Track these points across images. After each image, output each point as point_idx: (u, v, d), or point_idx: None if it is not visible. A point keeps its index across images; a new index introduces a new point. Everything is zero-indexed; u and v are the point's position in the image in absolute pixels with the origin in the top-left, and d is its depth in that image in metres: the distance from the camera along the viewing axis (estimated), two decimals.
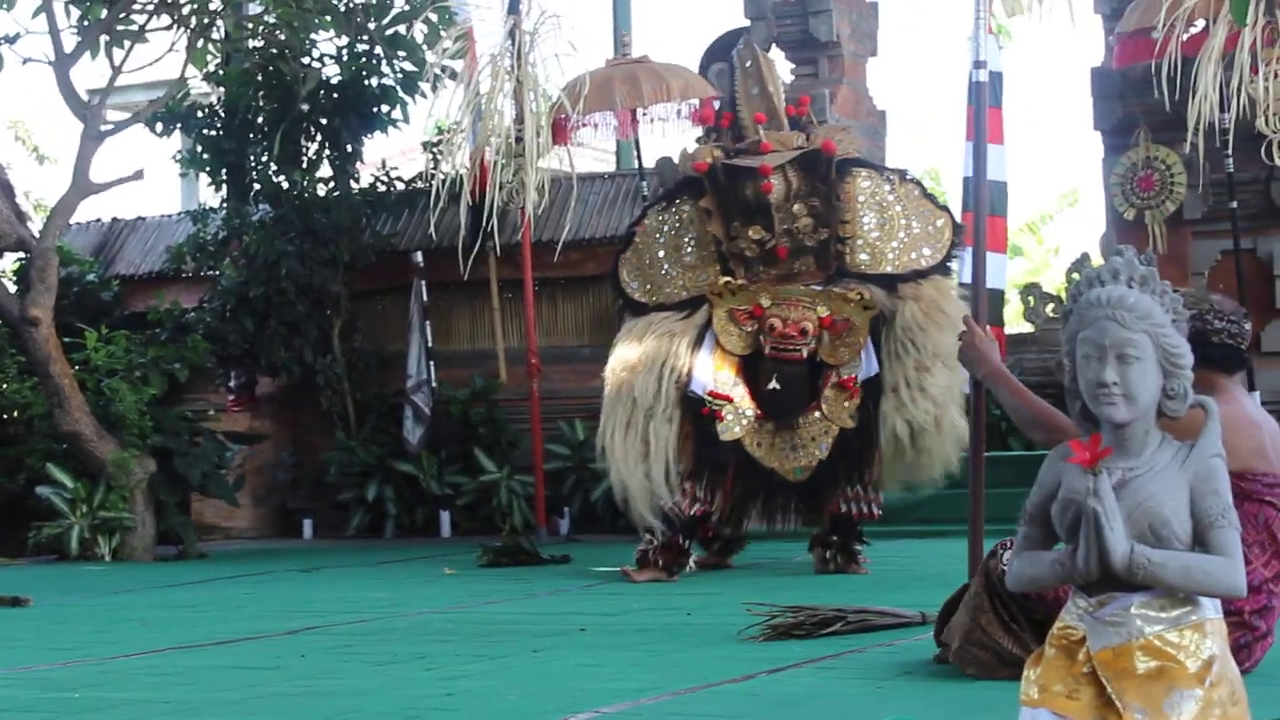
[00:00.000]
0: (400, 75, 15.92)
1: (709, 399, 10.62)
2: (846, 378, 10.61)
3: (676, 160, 11.59)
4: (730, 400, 10.63)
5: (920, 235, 10.78)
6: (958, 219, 10.72)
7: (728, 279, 10.76)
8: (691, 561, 11.08)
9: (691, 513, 10.68)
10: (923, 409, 10.47)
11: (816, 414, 10.65)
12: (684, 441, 10.68)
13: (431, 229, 13.77)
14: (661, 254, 11.07)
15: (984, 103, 7.52)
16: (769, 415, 10.66)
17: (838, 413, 10.62)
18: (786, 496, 10.89)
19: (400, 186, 16.71)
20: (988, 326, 6.74)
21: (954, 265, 10.80)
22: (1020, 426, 5.78)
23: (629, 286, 11.13)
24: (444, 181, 13.41)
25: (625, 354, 10.84)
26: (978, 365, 6.13)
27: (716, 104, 12.33)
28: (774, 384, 10.62)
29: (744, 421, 10.65)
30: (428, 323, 15.43)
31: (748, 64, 11.22)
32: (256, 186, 16.39)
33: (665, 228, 11.10)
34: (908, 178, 11.09)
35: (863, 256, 10.75)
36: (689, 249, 11.02)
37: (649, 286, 11.08)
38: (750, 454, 10.65)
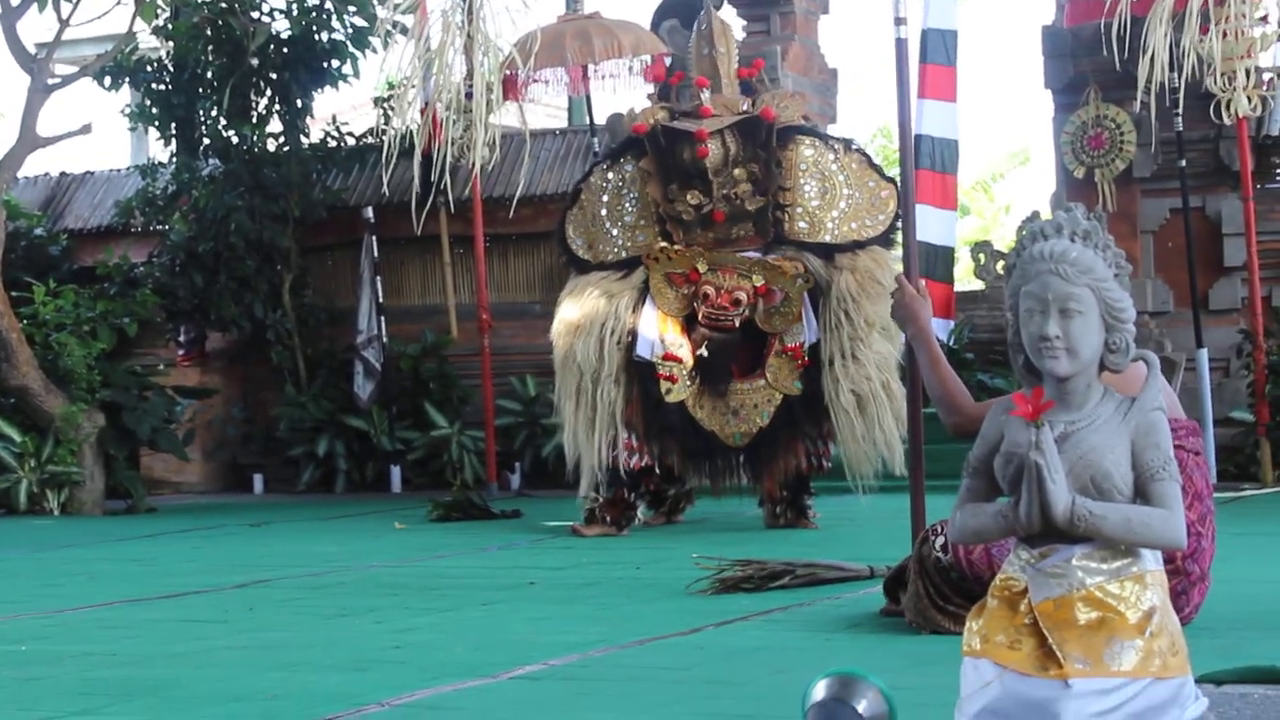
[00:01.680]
0: (350, 30, 15.86)
1: (660, 362, 10.61)
2: (793, 345, 10.59)
3: (607, 123, 11.52)
4: (680, 361, 10.62)
5: (862, 206, 10.75)
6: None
7: (663, 245, 10.72)
8: (640, 514, 11.10)
9: (633, 465, 10.69)
10: (865, 376, 10.47)
11: (760, 381, 10.63)
12: (632, 405, 10.68)
13: (384, 185, 13.73)
14: (604, 212, 11.04)
15: (904, 58, 7.52)
16: (704, 379, 10.65)
17: (782, 380, 10.61)
18: (726, 461, 10.83)
19: (351, 142, 16.66)
20: (923, 283, 6.73)
21: (896, 237, 10.81)
22: (929, 395, 5.80)
23: (574, 243, 11.12)
24: (395, 137, 13.37)
25: (567, 315, 10.84)
26: (907, 323, 6.15)
27: (668, 60, 12.32)
28: (703, 351, 10.59)
29: (689, 383, 10.65)
30: (378, 278, 15.41)
31: (703, 26, 11.19)
32: (206, 141, 16.33)
33: (609, 186, 11.06)
34: (853, 147, 11.05)
35: (801, 224, 10.71)
36: (630, 208, 10.98)
37: (591, 244, 11.07)
38: (692, 417, 10.64)
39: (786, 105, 10.89)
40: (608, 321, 10.69)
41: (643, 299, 10.75)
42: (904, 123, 7.54)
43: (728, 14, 15.92)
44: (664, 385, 10.61)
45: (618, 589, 8.03)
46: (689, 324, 10.70)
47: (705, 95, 10.80)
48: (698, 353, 10.60)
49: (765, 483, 10.92)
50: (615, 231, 10.99)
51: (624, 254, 10.91)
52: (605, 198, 11.05)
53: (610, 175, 11.09)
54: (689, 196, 10.67)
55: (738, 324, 10.58)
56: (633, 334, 10.69)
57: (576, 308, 10.81)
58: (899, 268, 9.94)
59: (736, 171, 10.64)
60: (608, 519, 10.81)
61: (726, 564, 7.67)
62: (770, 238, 10.71)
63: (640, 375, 10.69)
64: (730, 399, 10.63)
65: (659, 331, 10.65)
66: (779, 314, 10.59)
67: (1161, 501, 3.63)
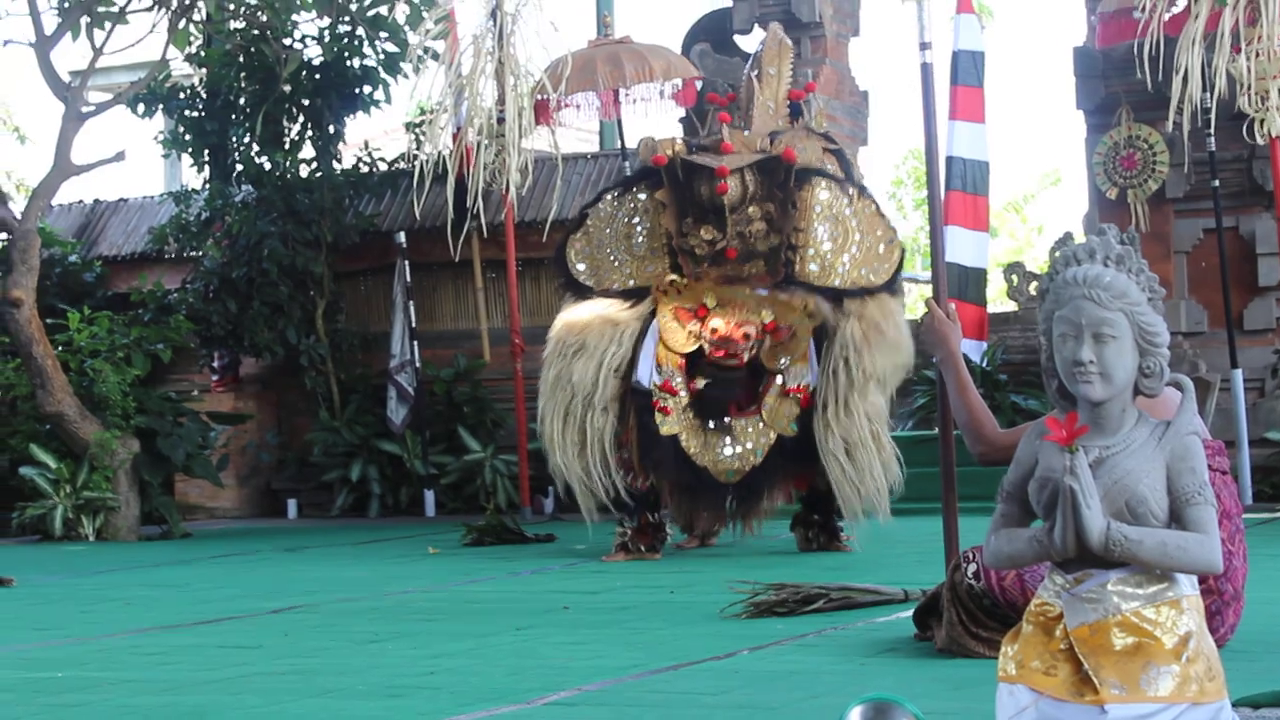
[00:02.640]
0: (382, 56, 15.90)
1: (657, 391, 10.56)
2: (797, 386, 10.52)
3: (638, 148, 11.48)
4: (675, 394, 10.58)
5: (871, 253, 10.70)
6: (905, 243, 10.81)
7: (674, 278, 10.69)
8: (671, 538, 11.08)
9: (639, 487, 10.67)
10: (857, 425, 10.39)
11: (756, 418, 10.58)
12: (625, 434, 10.64)
13: (416, 210, 13.76)
14: (611, 240, 10.98)
15: (932, 85, 7.51)
16: (699, 413, 10.61)
17: (778, 419, 10.54)
18: (717, 496, 10.72)
19: (383, 167, 16.71)
20: (952, 307, 6.70)
21: (899, 287, 10.81)
22: (955, 420, 5.77)
23: (574, 267, 11.01)
24: (427, 162, 13.40)
25: (565, 338, 10.75)
26: (936, 347, 6.10)
27: (699, 84, 12.33)
28: (707, 382, 10.54)
29: (684, 418, 10.61)
30: (411, 303, 15.43)
31: (761, 46, 11.20)
32: (239, 167, 16.39)
33: (619, 214, 11.00)
34: (866, 193, 11.02)
35: (813, 267, 10.63)
36: (640, 239, 10.92)
37: (595, 270, 10.99)
38: (685, 451, 10.60)
39: (805, 147, 10.83)
40: (609, 348, 10.62)
41: (646, 329, 10.70)
42: (930, 146, 7.53)
43: (758, 37, 15.95)
44: (658, 416, 10.55)
45: (652, 613, 8.02)
46: (691, 360, 10.65)
47: (726, 131, 10.76)
48: (696, 386, 10.55)
49: (750, 522, 10.89)
50: (622, 260, 10.92)
51: (631, 283, 10.84)
52: (614, 226, 10.99)
53: (620, 203, 11.03)
54: (703, 231, 10.62)
55: (745, 359, 10.54)
56: (631, 364, 10.64)
57: (576, 331, 10.73)
58: (914, 303, 9.93)
59: (752, 210, 10.59)
60: (642, 548, 10.80)
61: (760, 588, 7.66)
62: (780, 277, 10.63)
63: (636, 405, 10.63)
64: (725, 435, 10.56)
65: (658, 362, 10.60)
66: (786, 351, 10.54)
67: (1197, 526, 3.62)
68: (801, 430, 10.50)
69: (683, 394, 10.58)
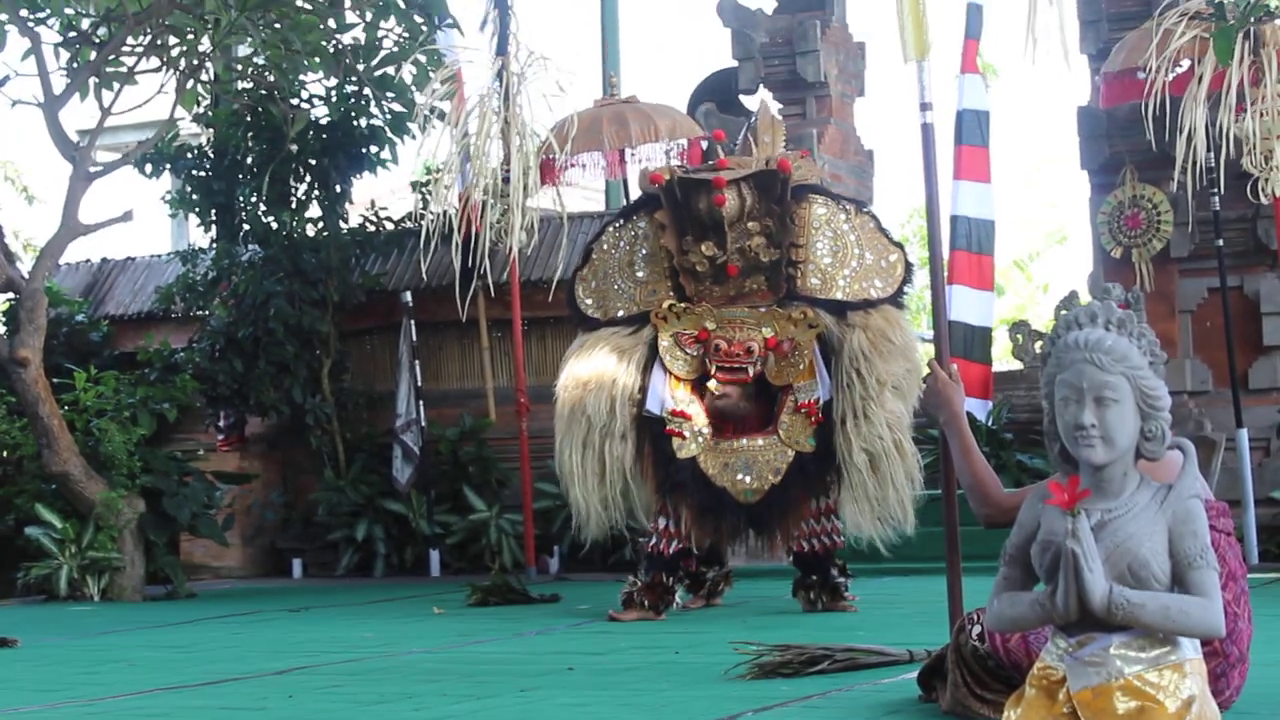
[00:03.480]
0: (389, 116, 15.93)
1: (669, 418, 10.60)
2: (807, 401, 10.57)
3: (641, 173, 11.57)
4: (689, 418, 10.62)
5: (872, 267, 10.76)
6: (911, 257, 10.86)
7: (671, 302, 10.74)
8: (678, 598, 11.08)
9: (671, 551, 10.69)
10: (877, 435, 10.43)
11: (774, 438, 10.60)
12: (643, 462, 10.68)
13: (422, 269, 13.79)
14: (615, 269, 11.07)
15: (931, 143, 7.52)
16: (716, 434, 10.64)
17: (795, 436, 10.57)
18: (736, 519, 10.70)
19: (389, 226, 16.73)
20: (955, 368, 6.67)
21: (905, 301, 10.85)
22: (960, 483, 5.73)
23: (583, 303, 11.09)
24: (433, 222, 13.44)
25: (577, 370, 10.81)
26: (940, 409, 6.06)
27: (704, 144, 12.37)
28: (721, 397, 10.56)
29: (700, 440, 10.63)
30: (416, 362, 15.44)
31: (753, 120, 11.27)
32: (245, 227, 16.41)
33: (621, 244, 11.08)
34: (864, 209, 11.09)
35: (814, 281, 10.70)
36: (641, 264, 10.99)
37: (601, 301, 11.07)
38: (704, 473, 10.61)
39: (800, 164, 10.94)
40: (619, 378, 10.68)
41: (654, 355, 10.76)
42: (932, 206, 7.52)
43: (761, 96, 16.00)
44: (675, 442, 10.58)
45: (656, 673, 8.00)
46: (699, 385, 10.70)
47: (721, 150, 10.90)
48: (711, 403, 10.57)
49: (774, 541, 10.90)
50: (626, 287, 11.00)
51: (635, 309, 10.94)
52: (617, 255, 11.07)
53: (621, 233, 11.12)
54: (704, 248, 10.68)
55: (751, 374, 10.58)
56: (643, 390, 10.68)
57: (586, 363, 10.80)
58: (914, 331, 9.94)
59: (750, 224, 10.65)
60: (645, 603, 10.79)
61: (765, 649, 7.64)
62: (782, 293, 10.72)
63: (651, 432, 10.68)
64: (742, 455, 10.59)
65: (669, 389, 10.65)
66: (790, 366, 10.59)
67: (1200, 590, 3.62)
68: (820, 446, 10.53)
69: (697, 417, 10.61)
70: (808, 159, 11.34)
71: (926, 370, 10.31)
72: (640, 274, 10.99)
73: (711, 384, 10.58)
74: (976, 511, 5.64)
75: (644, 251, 10.99)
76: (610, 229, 11.26)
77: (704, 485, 10.59)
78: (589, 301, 11.10)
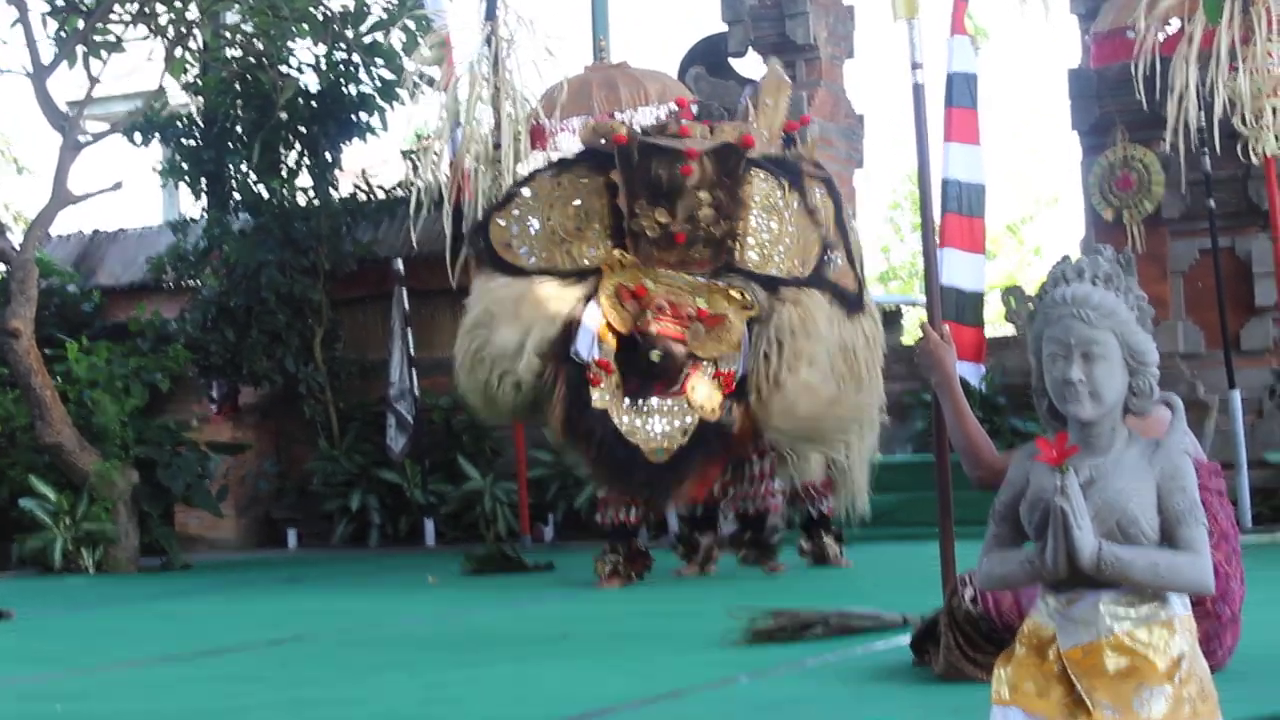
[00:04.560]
0: (378, 83, 15.91)
1: (594, 365, 10.57)
2: (725, 371, 10.53)
3: (578, 130, 11.52)
4: (611, 372, 10.58)
5: (801, 244, 10.75)
6: (826, 238, 10.77)
7: (621, 252, 10.68)
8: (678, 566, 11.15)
9: (633, 519, 10.85)
10: (791, 402, 10.36)
11: (682, 399, 10.57)
12: (549, 407, 10.64)
13: (413, 237, 13.77)
14: (550, 220, 10.90)
15: (924, 106, 7.49)
16: (639, 390, 10.61)
17: (703, 403, 10.54)
18: (647, 475, 10.59)
19: (380, 194, 16.71)
20: (947, 329, 6.62)
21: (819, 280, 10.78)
22: (953, 445, 5.71)
23: (500, 245, 10.94)
24: (424, 189, 13.41)
25: (492, 308, 10.78)
26: (931, 370, 6.03)
27: (694, 108, 12.33)
28: (655, 357, 10.54)
29: (614, 394, 10.62)
30: (409, 330, 15.42)
31: (761, 80, 11.31)
32: (236, 196, 16.39)
33: (556, 194, 10.94)
34: (796, 186, 11.01)
35: (752, 255, 10.66)
36: (580, 220, 10.85)
37: (527, 250, 10.93)
38: (615, 427, 10.58)
39: (803, 147, 11.00)
40: (542, 324, 10.58)
41: (586, 304, 10.71)
42: (923, 167, 7.49)
43: (753, 61, 15.98)
44: (594, 391, 10.55)
45: (651, 640, 8.01)
46: (624, 343, 10.61)
47: (685, 123, 10.89)
48: (651, 358, 10.52)
49: (670, 502, 11.05)
50: (563, 240, 10.86)
51: (570, 264, 10.78)
52: (552, 205, 10.92)
53: (557, 184, 10.97)
54: (657, 214, 10.62)
55: (686, 338, 10.57)
56: (556, 342, 10.62)
57: (506, 303, 10.72)
58: (912, 327, 9.93)
59: (702, 195, 10.61)
60: (633, 575, 10.90)
61: (759, 614, 7.65)
62: (721, 264, 10.68)
63: (568, 376, 10.59)
64: (652, 415, 10.56)
65: (599, 338, 10.62)
66: (715, 339, 10.55)
67: (1189, 545, 3.61)
68: (726, 416, 10.51)
69: (614, 374, 10.58)
70: (795, 130, 11.34)
71: (840, 355, 10.40)
72: (578, 229, 10.85)
73: (654, 354, 10.56)
74: (970, 473, 5.63)
75: (583, 208, 10.87)
76: (541, 175, 11.14)
77: (616, 439, 10.51)
78: (509, 244, 10.94)
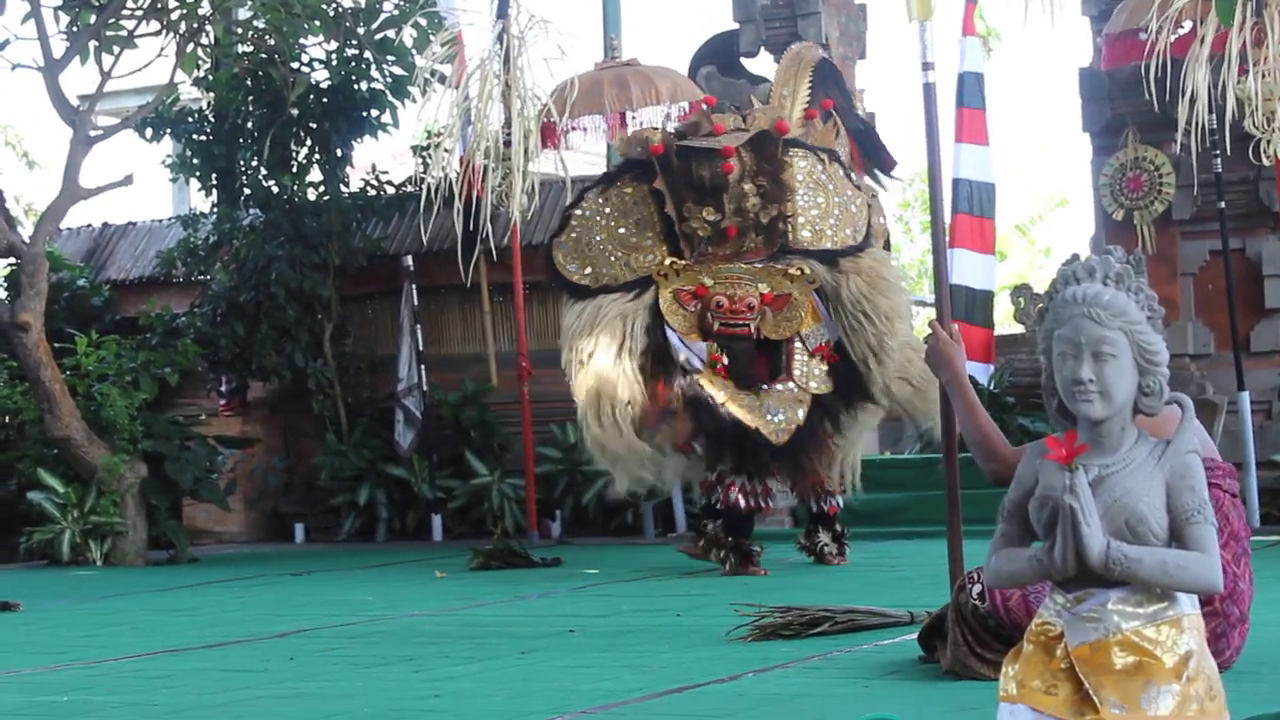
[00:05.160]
0: (389, 80, 15.91)
1: (704, 363, 10.79)
2: (819, 345, 10.75)
3: (615, 144, 11.74)
4: (720, 361, 10.84)
5: (848, 215, 10.98)
6: (872, 202, 11.18)
7: (672, 260, 10.87)
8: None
9: (744, 507, 10.87)
10: (905, 360, 10.70)
11: (791, 384, 10.73)
12: (678, 421, 10.76)
13: (423, 233, 13.77)
14: (602, 236, 11.21)
15: (934, 106, 7.50)
16: (746, 381, 10.82)
17: (809, 380, 10.71)
18: (770, 456, 10.85)
19: (390, 190, 16.71)
20: (955, 328, 6.64)
21: (874, 242, 11.10)
22: (965, 441, 5.71)
23: (566, 269, 11.22)
24: (434, 185, 13.42)
25: (584, 346, 10.95)
26: (941, 369, 6.04)
27: (705, 107, 12.34)
28: (724, 360, 10.74)
29: (726, 387, 10.75)
30: (418, 326, 15.42)
31: (791, 53, 11.50)
32: (246, 191, 16.39)
33: (607, 209, 11.21)
34: (836, 159, 11.22)
35: (804, 234, 10.92)
36: (632, 231, 11.12)
37: (591, 269, 11.19)
38: (735, 417, 10.68)
39: (805, 128, 11.14)
40: (625, 343, 10.83)
41: (654, 318, 10.84)
42: (934, 167, 7.50)
43: (765, 60, 15.97)
44: (709, 389, 10.69)
45: (657, 636, 8.01)
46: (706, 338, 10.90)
47: (713, 114, 11.09)
48: (720, 363, 10.72)
49: (804, 479, 11.05)
50: (619, 254, 11.15)
51: (630, 275, 11.09)
52: (603, 221, 11.22)
53: (604, 199, 11.25)
54: (704, 213, 10.81)
55: (752, 329, 10.71)
56: (645, 354, 10.84)
57: (591, 338, 10.92)
58: (920, 325, 10.01)
59: (746, 186, 10.76)
60: (733, 561, 10.96)
61: (766, 611, 7.66)
62: (776, 248, 10.87)
63: (685, 386, 10.82)
64: (767, 399, 10.72)
65: (687, 343, 10.81)
66: (786, 319, 10.73)
67: (1197, 545, 3.61)
68: (838, 386, 10.84)
69: (719, 368, 10.83)
70: (814, 118, 11.43)
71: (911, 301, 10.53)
72: (633, 240, 11.10)
73: (721, 359, 10.75)
74: (984, 468, 5.63)
75: (634, 217, 11.12)
76: (590, 194, 11.38)
77: (738, 429, 10.72)
78: (572, 267, 11.21)
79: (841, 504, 11.60)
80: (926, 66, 7.42)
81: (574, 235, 11.28)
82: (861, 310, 10.71)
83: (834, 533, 11.56)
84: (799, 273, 10.75)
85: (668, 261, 10.89)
